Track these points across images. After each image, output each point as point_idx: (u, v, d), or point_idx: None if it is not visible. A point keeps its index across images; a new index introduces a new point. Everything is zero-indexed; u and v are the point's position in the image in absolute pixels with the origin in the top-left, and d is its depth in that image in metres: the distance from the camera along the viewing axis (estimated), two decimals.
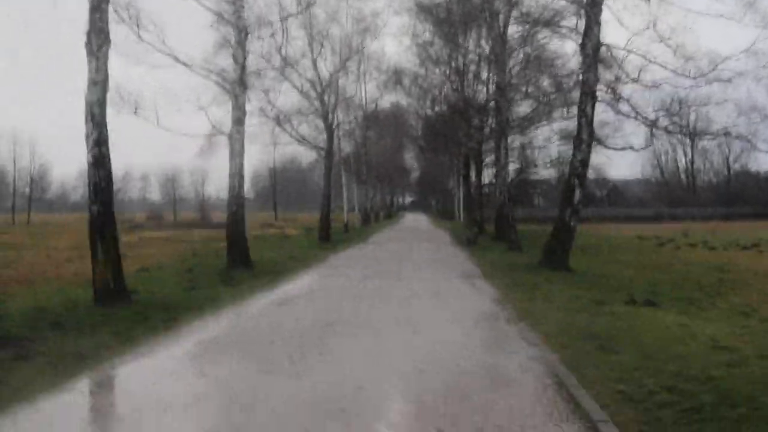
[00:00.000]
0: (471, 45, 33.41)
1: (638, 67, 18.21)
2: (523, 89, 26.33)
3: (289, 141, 33.31)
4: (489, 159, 43.67)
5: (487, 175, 47.28)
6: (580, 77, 19.03)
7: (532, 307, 11.17)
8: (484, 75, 33.79)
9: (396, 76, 42.67)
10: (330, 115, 33.79)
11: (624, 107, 18.73)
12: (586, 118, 18.42)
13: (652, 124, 18.53)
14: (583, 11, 18.36)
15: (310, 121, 34.19)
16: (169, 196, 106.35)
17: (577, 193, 18.58)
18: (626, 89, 19.16)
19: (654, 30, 17.24)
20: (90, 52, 11.68)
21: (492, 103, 34.65)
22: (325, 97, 32.99)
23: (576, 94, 20.78)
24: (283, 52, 29.33)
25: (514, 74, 27.35)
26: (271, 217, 76.62)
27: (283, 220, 70.14)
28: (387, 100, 50.67)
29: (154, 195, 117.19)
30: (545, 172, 56.59)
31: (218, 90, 19.53)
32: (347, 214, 48.65)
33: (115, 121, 17.87)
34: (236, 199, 19.42)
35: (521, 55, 28.61)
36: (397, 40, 63.59)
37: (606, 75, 18.86)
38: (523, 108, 33.52)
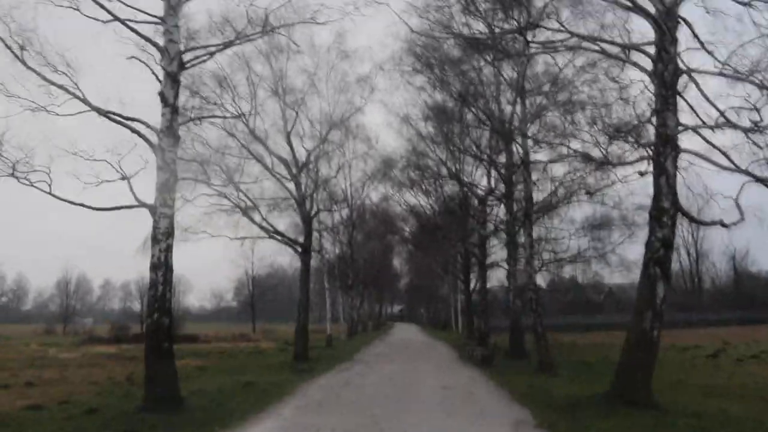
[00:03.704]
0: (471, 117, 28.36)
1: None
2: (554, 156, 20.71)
3: (259, 234, 27.24)
4: (494, 258, 37.82)
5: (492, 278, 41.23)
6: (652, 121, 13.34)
7: None
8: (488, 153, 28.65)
9: (385, 165, 37.54)
10: (307, 202, 27.90)
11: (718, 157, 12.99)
12: (667, 177, 12.65)
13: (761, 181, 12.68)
14: (653, 24, 12.87)
15: (284, 210, 28.45)
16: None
17: (661, 289, 12.61)
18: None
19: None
20: None
21: (501, 189, 29.12)
22: (302, 180, 27.25)
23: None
24: (251, 124, 24.37)
25: (539, 141, 21.79)
26: (250, 329, 70.14)
27: (262, 333, 64.18)
28: (375, 192, 45.48)
29: (136, 305, 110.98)
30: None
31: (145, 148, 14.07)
32: (331, 326, 42.16)
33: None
34: (160, 303, 13.14)
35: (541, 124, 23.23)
36: (386, 117, 59.14)
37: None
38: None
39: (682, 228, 67.82)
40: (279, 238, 27.62)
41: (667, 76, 12.70)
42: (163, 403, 12.55)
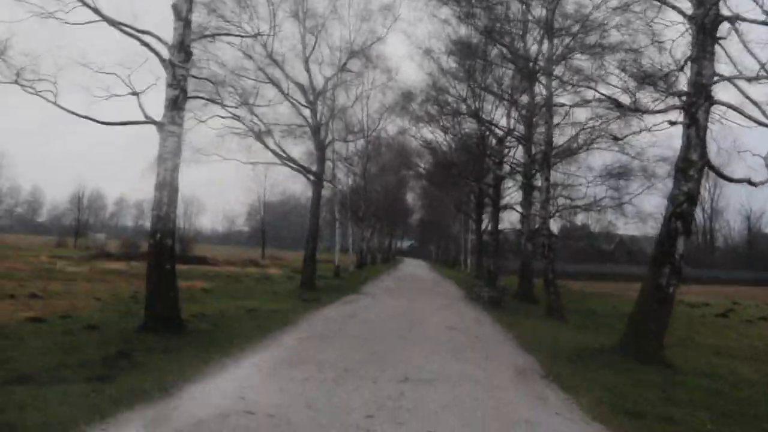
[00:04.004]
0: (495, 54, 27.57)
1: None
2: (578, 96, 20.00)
3: (272, 159, 26.74)
4: (508, 200, 37.44)
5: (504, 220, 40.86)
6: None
7: None
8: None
9: (403, 99, 36.67)
10: (322, 131, 27.37)
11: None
12: (696, 129, 12.03)
13: None
14: None
15: (298, 137, 27.95)
16: None
17: (681, 244, 12.11)
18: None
19: None
20: None
21: (521, 130, 28.49)
22: (318, 107, 26.67)
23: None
24: (269, 46, 23.71)
25: (564, 82, 20.86)
26: (259, 254, 70.10)
27: (271, 259, 63.86)
28: (392, 125, 44.61)
29: (149, 224, 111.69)
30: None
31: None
32: (339, 256, 42.04)
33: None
34: (163, 224, 12.85)
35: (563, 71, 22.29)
36: (408, 49, 57.81)
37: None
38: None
39: None
40: (292, 165, 27.21)
41: (707, 21, 11.95)
42: (163, 324, 12.31)
